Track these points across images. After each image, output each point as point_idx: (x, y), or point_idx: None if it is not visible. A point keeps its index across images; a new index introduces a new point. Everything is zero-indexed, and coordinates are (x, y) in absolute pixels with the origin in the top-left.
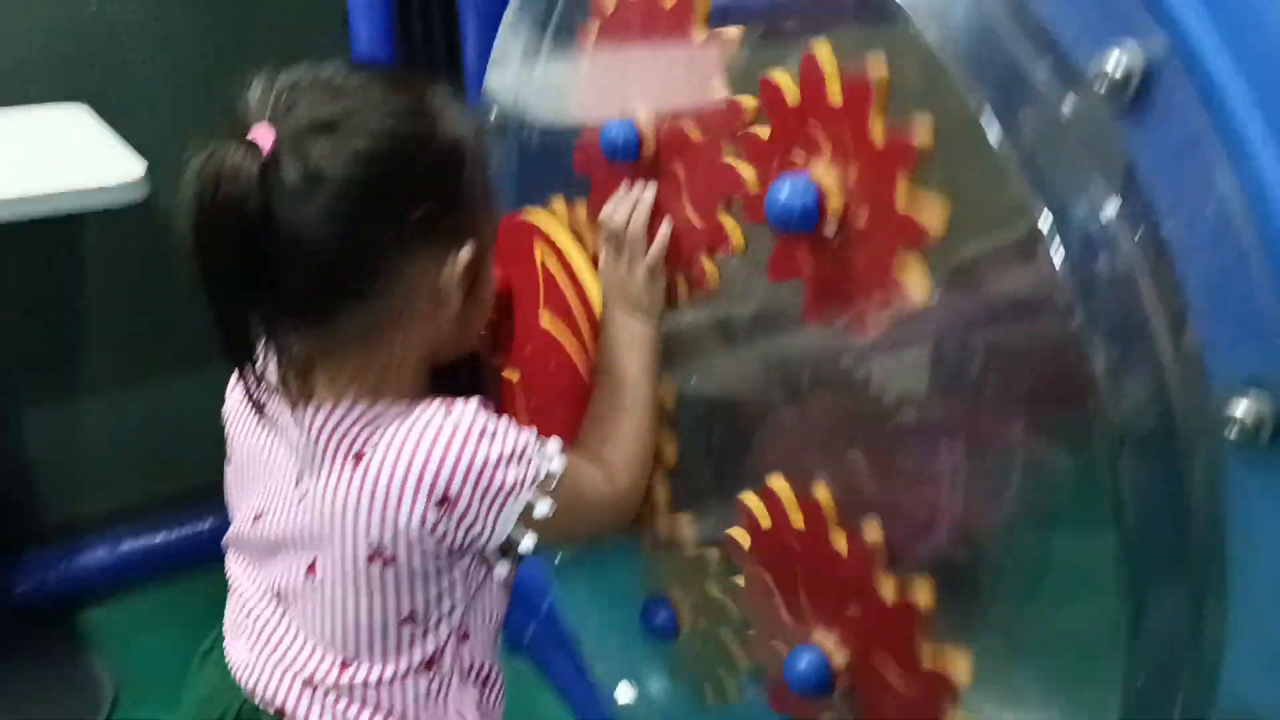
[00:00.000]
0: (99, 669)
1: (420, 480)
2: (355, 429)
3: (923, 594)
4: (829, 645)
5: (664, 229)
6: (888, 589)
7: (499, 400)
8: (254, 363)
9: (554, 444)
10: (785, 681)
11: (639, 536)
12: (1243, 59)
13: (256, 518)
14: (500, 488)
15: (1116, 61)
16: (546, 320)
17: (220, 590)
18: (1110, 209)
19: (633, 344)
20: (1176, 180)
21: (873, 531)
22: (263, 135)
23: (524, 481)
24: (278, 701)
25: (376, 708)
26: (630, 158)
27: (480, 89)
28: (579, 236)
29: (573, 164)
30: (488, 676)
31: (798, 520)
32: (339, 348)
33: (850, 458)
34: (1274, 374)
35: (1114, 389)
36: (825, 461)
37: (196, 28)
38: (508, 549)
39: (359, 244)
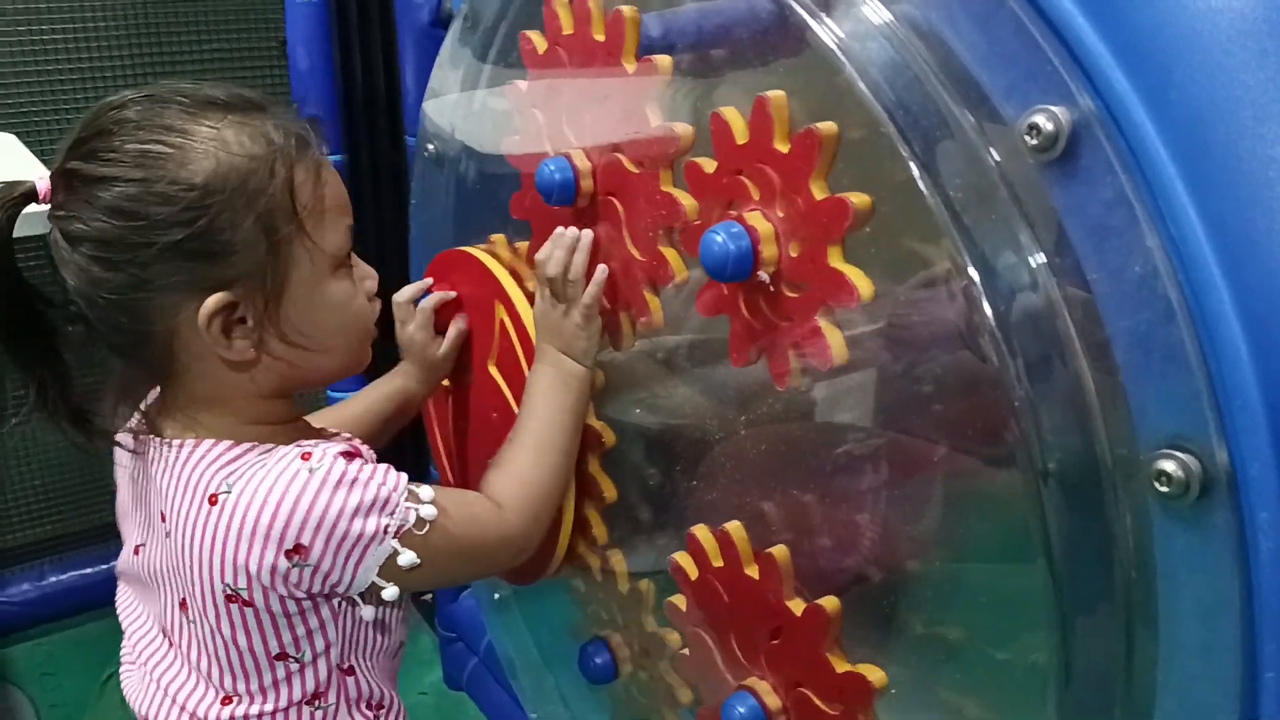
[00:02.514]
0: (21, 706)
1: (270, 530)
2: (213, 469)
3: (850, 632)
4: (763, 689)
5: (599, 272)
6: (811, 627)
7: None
8: (48, 384)
9: (426, 490)
10: None
11: (575, 580)
12: (1166, 121)
13: (136, 550)
14: (358, 538)
15: (1045, 119)
16: (493, 369)
17: None
18: (1036, 258)
19: (557, 385)
20: (1102, 238)
21: (795, 570)
22: (44, 180)
23: (384, 531)
24: None
25: None
26: (568, 196)
27: (418, 119)
28: (520, 274)
29: (511, 206)
30: (380, 702)
31: (718, 561)
32: (144, 381)
33: (779, 493)
34: (1198, 434)
35: (1033, 424)
36: (753, 497)
37: (127, 58)
38: (373, 595)
39: (103, 294)
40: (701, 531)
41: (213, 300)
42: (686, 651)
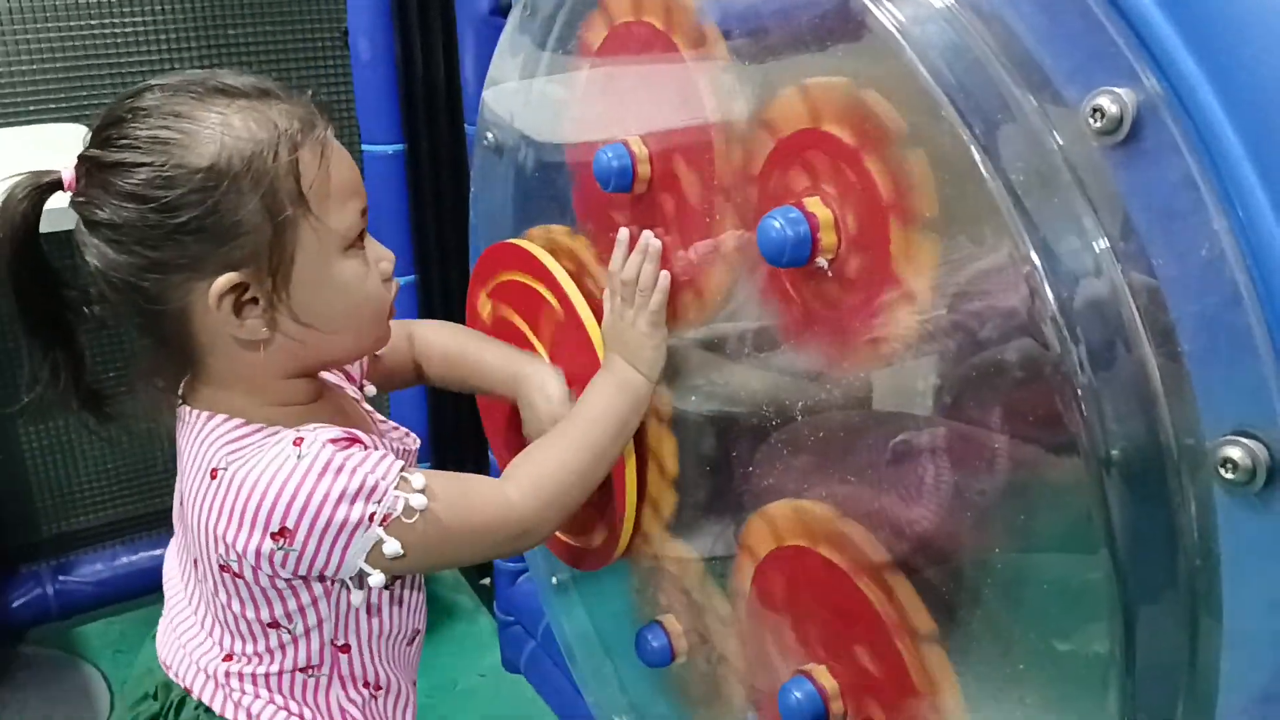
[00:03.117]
0: (95, 683)
1: (257, 512)
2: (220, 444)
3: (918, 618)
4: (820, 674)
5: (663, 278)
6: (881, 611)
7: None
8: (63, 366)
9: (419, 478)
10: (780, 713)
11: (633, 563)
12: (1234, 102)
13: (180, 503)
14: (342, 524)
15: (1109, 102)
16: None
17: None
18: (1100, 243)
19: (612, 390)
20: (1168, 221)
21: (866, 555)
22: (69, 169)
23: (368, 518)
24: (184, 680)
25: (257, 695)
26: (626, 183)
27: (477, 108)
28: (577, 263)
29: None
30: (378, 684)
31: (792, 543)
32: (171, 360)
33: (843, 479)
34: (1265, 420)
35: (1096, 411)
36: (816, 483)
37: (194, 49)
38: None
39: (119, 276)
40: (766, 513)
41: (222, 280)
42: (745, 635)
